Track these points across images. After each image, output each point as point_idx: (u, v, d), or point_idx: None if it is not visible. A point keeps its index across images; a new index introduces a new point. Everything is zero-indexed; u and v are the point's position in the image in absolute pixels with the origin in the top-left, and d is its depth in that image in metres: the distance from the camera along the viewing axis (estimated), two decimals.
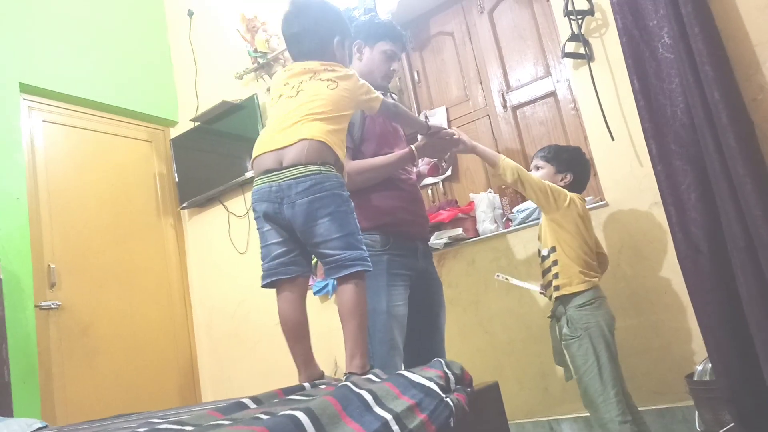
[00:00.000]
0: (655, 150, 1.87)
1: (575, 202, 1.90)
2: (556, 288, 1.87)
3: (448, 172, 2.05)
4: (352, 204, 1.44)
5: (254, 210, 1.47)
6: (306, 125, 1.41)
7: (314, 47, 1.57)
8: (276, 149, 1.40)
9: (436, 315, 1.97)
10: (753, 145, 1.73)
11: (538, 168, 2.03)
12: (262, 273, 1.46)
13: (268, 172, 1.40)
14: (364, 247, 1.43)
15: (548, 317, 1.98)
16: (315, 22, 1.59)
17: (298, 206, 1.36)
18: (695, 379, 1.87)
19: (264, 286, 1.46)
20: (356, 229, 1.42)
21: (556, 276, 1.88)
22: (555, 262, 1.88)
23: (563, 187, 1.95)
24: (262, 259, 1.46)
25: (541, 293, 2.03)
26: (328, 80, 1.50)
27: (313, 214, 1.36)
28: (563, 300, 1.87)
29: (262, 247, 1.46)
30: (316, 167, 1.36)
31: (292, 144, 1.38)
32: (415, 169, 2.10)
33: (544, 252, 1.94)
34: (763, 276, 1.61)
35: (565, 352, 1.88)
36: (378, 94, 1.63)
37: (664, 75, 1.86)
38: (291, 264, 1.44)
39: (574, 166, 2.00)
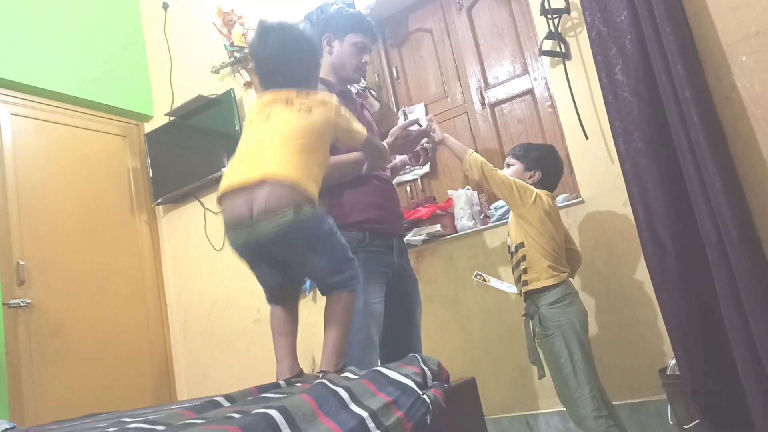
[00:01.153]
0: (622, 148, 1.90)
1: (541, 198, 1.92)
2: (525, 283, 1.90)
3: (427, 166, 2.05)
4: (332, 226, 1.39)
5: (235, 252, 1.41)
6: (274, 156, 1.32)
7: (290, 74, 1.46)
8: (243, 185, 1.29)
9: (413, 312, 1.97)
10: (722, 142, 1.76)
11: (509, 165, 2.06)
12: (265, 294, 1.49)
13: (239, 224, 1.31)
14: (354, 263, 1.41)
15: (522, 315, 1.99)
16: (287, 47, 1.48)
17: (279, 252, 1.34)
18: (668, 373, 1.90)
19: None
20: (341, 249, 1.39)
21: (524, 271, 1.90)
22: (523, 257, 1.91)
23: (531, 184, 1.97)
24: (260, 283, 1.47)
25: (518, 294, 2.05)
26: (301, 106, 1.40)
27: (296, 256, 1.35)
28: (534, 297, 1.89)
29: (255, 275, 1.46)
30: (290, 215, 1.27)
31: (258, 182, 1.27)
32: (393, 161, 2.10)
33: (513, 247, 1.97)
34: (731, 272, 1.64)
35: (539, 349, 1.90)
36: (363, 130, 1.54)
37: (631, 72, 1.88)
38: (289, 286, 1.47)
39: (543, 163, 2.02)
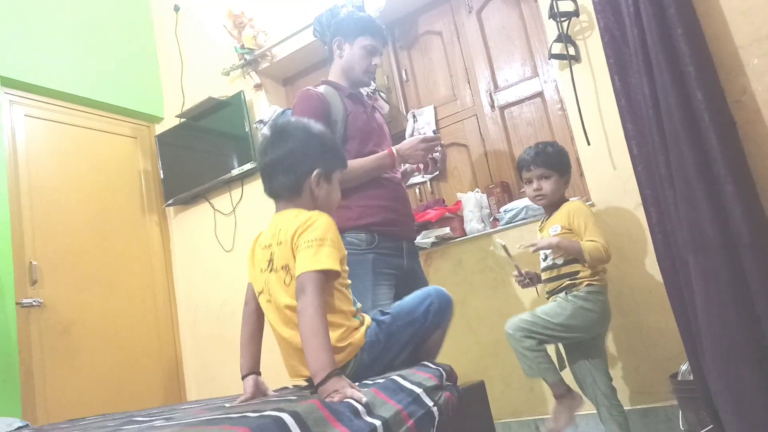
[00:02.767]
0: (635, 151, 1.89)
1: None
2: (572, 280, 1.89)
3: (436, 170, 2.06)
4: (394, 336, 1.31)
5: None
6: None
7: (286, 183, 1.31)
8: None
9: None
10: (736, 145, 1.74)
11: (542, 177, 1.96)
12: None
13: None
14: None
15: (546, 297, 1.99)
16: (291, 151, 1.31)
17: None
18: (679, 379, 1.88)
19: None
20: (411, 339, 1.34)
21: (575, 273, 1.89)
22: (576, 273, 1.89)
23: (565, 186, 1.99)
24: None
25: (518, 279, 2.04)
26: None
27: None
28: (572, 280, 1.90)
29: None
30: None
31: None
32: (402, 168, 2.10)
33: (558, 261, 1.93)
34: (744, 276, 1.62)
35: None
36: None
37: (644, 74, 1.87)
38: None
39: (569, 165, 2.02)
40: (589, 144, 2.25)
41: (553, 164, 1.96)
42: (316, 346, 1.06)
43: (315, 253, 1.17)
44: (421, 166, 2.10)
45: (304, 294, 1.12)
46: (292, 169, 1.29)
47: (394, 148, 1.87)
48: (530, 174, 1.99)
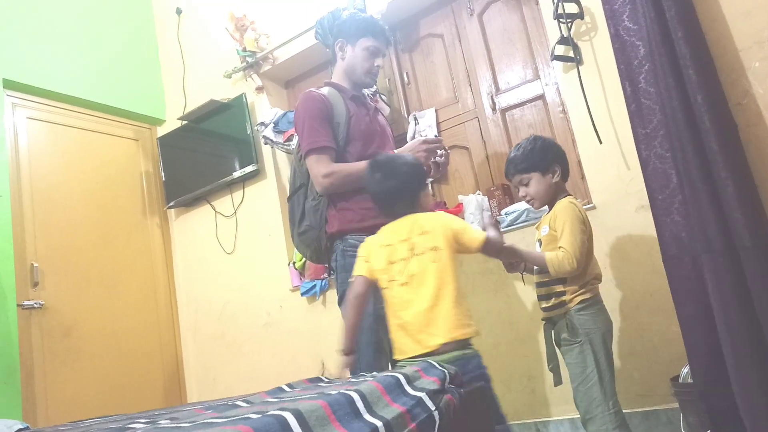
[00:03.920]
0: (644, 154, 1.89)
1: (582, 213, 1.80)
2: (561, 294, 1.77)
3: (439, 174, 2.05)
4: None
5: None
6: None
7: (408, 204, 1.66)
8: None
9: None
10: (737, 148, 1.75)
11: (524, 183, 1.87)
12: None
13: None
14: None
15: (542, 319, 1.89)
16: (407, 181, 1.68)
17: None
18: (680, 381, 1.88)
19: None
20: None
21: (562, 281, 1.77)
22: (564, 280, 1.77)
23: (555, 182, 1.84)
24: None
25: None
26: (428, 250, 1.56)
27: None
28: (561, 304, 1.78)
29: None
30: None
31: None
32: None
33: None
34: (744, 279, 1.63)
35: (562, 357, 1.81)
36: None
37: (653, 80, 1.88)
38: None
39: (553, 157, 1.85)
40: (601, 143, 2.24)
41: (526, 167, 1.85)
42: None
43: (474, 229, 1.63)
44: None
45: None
46: (410, 194, 1.68)
47: (395, 152, 1.88)
48: (513, 183, 1.94)
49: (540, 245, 1.88)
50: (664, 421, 2.10)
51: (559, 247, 1.73)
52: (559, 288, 1.78)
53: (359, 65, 1.99)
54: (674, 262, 1.80)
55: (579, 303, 1.75)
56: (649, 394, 2.15)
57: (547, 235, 1.82)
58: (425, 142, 1.92)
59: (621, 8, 1.94)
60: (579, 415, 1.90)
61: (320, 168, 1.84)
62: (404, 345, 1.54)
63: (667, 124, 1.80)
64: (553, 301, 1.80)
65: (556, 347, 1.84)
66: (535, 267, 1.86)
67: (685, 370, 1.87)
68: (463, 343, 1.53)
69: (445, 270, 1.54)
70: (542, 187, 1.85)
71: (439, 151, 1.98)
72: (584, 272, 1.77)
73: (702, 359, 1.74)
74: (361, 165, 1.83)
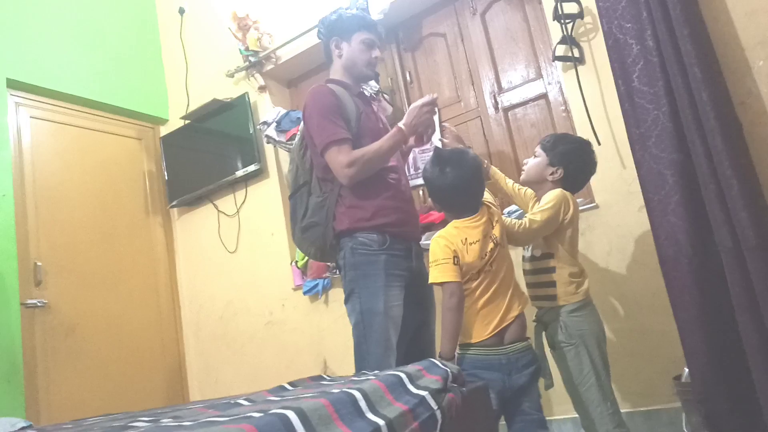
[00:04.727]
0: (639, 154, 1.88)
1: (569, 207, 1.79)
2: (551, 298, 1.77)
3: (434, 140, 2.04)
4: None
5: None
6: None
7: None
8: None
9: (427, 314, 1.97)
10: (741, 147, 1.74)
11: (535, 155, 1.90)
12: None
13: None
14: None
15: (533, 321, 1.88)
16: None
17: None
18: (683, 381, 1.88)
19: None
20: None
21: (551, 284, 1.77)
22: (551, 269, 1.78)
23: (552, 181, 1.83)
24: None
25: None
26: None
27: None
28: (552, 295, 1.78)
29: None
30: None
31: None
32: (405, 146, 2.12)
33: (532, 253, 1.85)
34: (749, 278, 1.62)
35: (554, 359, 1.81)
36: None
37: (648, 79, 1.87)
38: None
39: (569, 160, 1.83)
40: (599, 144, 2.24)
41: (545, 147, 1.87)
42: None
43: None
44: (418, 137, 2.07)
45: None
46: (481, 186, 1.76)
47: (400, 124, 1.87)
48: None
49: (531, 256, 1.88)
50: (666, 421, 2.09)
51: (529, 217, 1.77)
52: (550, 291, 1.78)
53: (359, 58, 2.00)
54: (671, 264, 1.79)
55: (572, 304, 1.75)
56: (651, 393, 2.14)
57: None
58: (423, 105, 1.89)
59: (614, 6, 1.94)
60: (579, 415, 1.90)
61: (342, 158, 1.81)
62: (487, 327, 1.61)
63: (664, 124, 1.79)
64: (543, 297, 1.80)
65: (550, 349, 1.82)
66: (524, 254, 1.90)
67: (687, 369, 1.86)
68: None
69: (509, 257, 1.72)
70: (537, 170, 1.88)
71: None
72: (569, 260, 1.78)
73: (701, 363, 1.74)
74: (377, 145, 1.84)
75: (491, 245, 1.65)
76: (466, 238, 1.64)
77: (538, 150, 1.89)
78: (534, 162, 1.89)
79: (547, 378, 1.81)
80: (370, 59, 2.01)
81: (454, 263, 1.60)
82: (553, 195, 1.79)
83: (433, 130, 2.02)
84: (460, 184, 1.66)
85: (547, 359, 1.81)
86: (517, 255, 1.91)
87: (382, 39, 2.10)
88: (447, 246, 1.62)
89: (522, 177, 1.95)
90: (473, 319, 1.62)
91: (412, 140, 2.07)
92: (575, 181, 1.87)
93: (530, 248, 1.87)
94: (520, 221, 1.76)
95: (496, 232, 1.68)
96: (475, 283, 1.63)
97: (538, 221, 1.74)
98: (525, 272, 1.90)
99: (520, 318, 1.66)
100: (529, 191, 2.00)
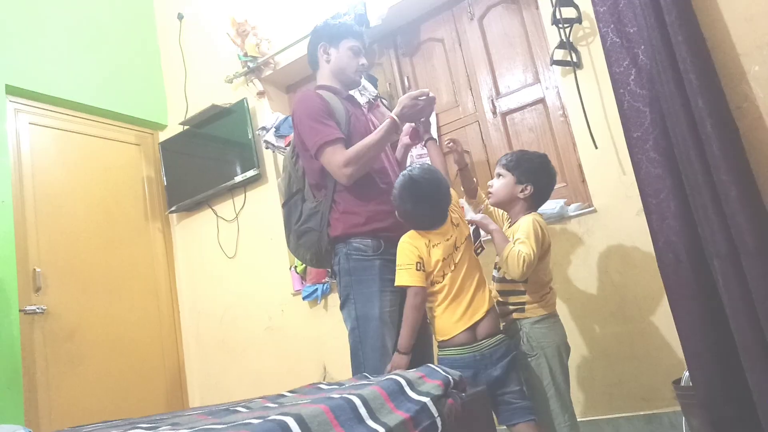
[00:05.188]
0: (636, 158, 1.88)
1: (546, 235, 1.79)
2: (521, 308, 1.78)
3: (430, 134, 2.04)
4: None
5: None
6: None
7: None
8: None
9: (425, 319, 1.96)
10: (738, 152, 1.74)
11: (499, 176, 1.90)
12: None
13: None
14: None
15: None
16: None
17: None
18: (683, 384, 1.88)
19: None
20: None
21: (521, 293, 1.78)
22: (522, 292, 1.78)
23: (523, 198, 1.84)
24: None
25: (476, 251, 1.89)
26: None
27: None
28: (516, 319, 1.79)
29: None
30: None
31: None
32: (399, 143, 2.11)
33: (507, 276, 1.78)
34: (746, 283, 1.62)
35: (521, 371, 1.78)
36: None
37: (644, 82, 1.88)
38: None
39: (536, 177, 1.85)
40: (596, 148, 2.25)
41: (509, 167, 1.87)
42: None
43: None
44: (414, 132, 2.06)
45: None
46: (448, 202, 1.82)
47: (392, 114, 1.88)
48: (494, 173, 1.95)
49: (497, 268, 1.88)
50: (667, 425, 2.09)
51: (521, 244, 1.71)
52: (519, 299, 1.79)
53: (347, 65, 2.02)
54: (670, 268, 1.79)
55: (537, 317, 1.76)
56: (651, 397, 2.14)
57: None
58: (413, 95, 1.88)
59: (611, 10, 1.95)
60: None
61: (339, 158, 1.81)
62: (457, 323, 1.69)
63: (661, 128, 1.80)
64: (509, 311, 1.80)
65: None
66: (494, 274, 1.89)
67: (687, 373, 1.86)
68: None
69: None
70: (506, 191, 1.87)
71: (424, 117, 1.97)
72: (541, 284, 1.79)
73: (705, 367, 1.73)
74: (369, 138, 1.84)
75: (452, 247, 1.74)
76: (429, 240, 1.73)
77: (502, 170, 1.89)
78: (501, 183, 1.89)
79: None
80: (358, 66, 2.03)
81: (417, 269, 1.70)
82: (529, 226, 1.75)
83: (429, 125, 2.03)
84: (424, 213, 1.74)
85: None
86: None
87: (366, 47, 2.12)
88: (411, 251, 1.72)
89: (491, 201, 1.93)
90: (442, 316, 1.71)
91: (407, 139, 2.08)
92: (543, 195, 1.89)
93: (500, 270, 1.85)
94: (523, 253, 1.69)
95: (458, 233, 1.77)
96: (439, 286, 1.72)
97: (527, 261, 1.68)
98: (496, 291, 1.87)
99: (491, 313, 1.72)
100: (500, 211, 2.00)
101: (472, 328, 1.68)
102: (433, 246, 1.72)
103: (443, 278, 1.71)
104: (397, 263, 1.73)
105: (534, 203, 1.87)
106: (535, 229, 1.75)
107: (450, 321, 1.70)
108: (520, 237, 1.74)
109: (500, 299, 1.84)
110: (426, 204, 1.73)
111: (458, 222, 1.80)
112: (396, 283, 1.72)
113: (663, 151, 1.82)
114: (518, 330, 1.78)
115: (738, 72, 1.85)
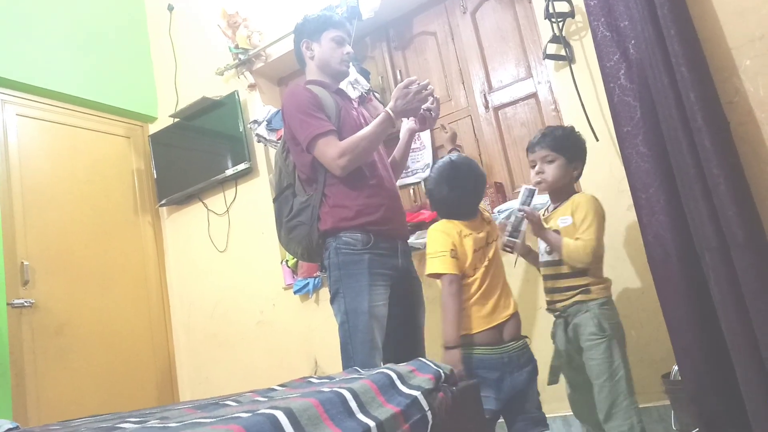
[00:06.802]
0: (626, 152, 1.89)
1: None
2: (587, 290, 1.74)
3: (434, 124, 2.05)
4: None
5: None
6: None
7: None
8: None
9: (416, 313, 1.97)
10: (729, 146, 1.75)
11: (549, 161, 1.79)
12: None
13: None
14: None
15: (555, 315, 1.83)
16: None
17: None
18: (672, 378, 1.89)
19: None
20: None
21: (585, 288, 1.74)
22: (585, 287, 1.74)
23: (572, 180, 1.82)
24: None
25: (507, 247, 1.81)
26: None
27: None
28: (581, 300, 1.74)
29: None
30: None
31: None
32: (405, 127, 2.12)
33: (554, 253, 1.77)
34: (735, 276, 1.63)
35: (571, 356, 1.78)
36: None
37: (635, 76, 1.88)
38: None
39: (582, 152, 1.84)
40: (597, 140, 2.24)
41: (560, 147, 1.79)
42: None
43: None
44: (421, 119, 2.04)
45: None
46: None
47: (387, 107, 1.87)
48: (534, 156, 1.83)
49: (547, 252, 1.85)
50: (656, 418, 2.11)
51: (576, 238, 1.71)
52: (583, 281, 1.75)
53: (331, 57, 2.00)
54: (660, 263, 1.80)
55: (602, 298, 1.75)
56: (640, 391, 2.14)
57: (570, 225, 1.76)
58: (405, 86, 1.85)
59: (602, 4, 1.94)
60: (572, 413, 1.91)
61: (332, 150, 1.80)
62: (485, 318, 1.68)
63: (651, 122, 1.80)
64: (571, 295, 1.76)
65: (568, 346, 1.78)
66: (542, 259, 1.85)
67: (676, 367, 1.87)
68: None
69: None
70: (562, 174, 1.80)
71: (429, 98, 1.94)
72: (601, 259, 1.78)
73: (694, 361, 1.74)
74: (365, 131, 1.84)
75: (484, 242, 1.74)
76: (461, 231, 1.72)
77: (551, 153, 1.80)
78: (556, 167, 1.79)
79: (555, 374, 1.82)
80: (342, 56, 2.01)
81: (452, 256, 1.66)
82: (589, 207, 1.75)
83: (437, 113, 2.03)
84: (459, 200, 1.75)
85: (563, 357, 1.80)
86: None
87: (350, 35, 2.10)
88: (444, 239, 1.69)
89: (544, 188, 1.84)
90: (470, 311, 1.68)
91: (413, 123, 2.09)
92: (581, 172, 1.88)
93: (550, 254, 1.82)
94: (582, 245, 1.70)
95: (490, 229, 1.79)
96: (471, 279, 1.69)
97: (594, 248, 1.69)
98: (546, 277, 1.84)
99: (516, 317, 1.72)
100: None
101: (498, 328, 1.67)
102: (464, 236, 1.71)
103: (475, 272, 1.69)
104: (427, 252, 1.72)
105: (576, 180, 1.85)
106: (596, 209, 1.74)
107: (477, 315, 1.67)
108: (583, 225, 1.71)
109: (555, 284, 1.79)
110: (462, 190, 1.73)
111: (489, 220, 1.81)
112: (427, 272, 1.70)
113: (653, 146, 1.82)
114: (579, 312, 1.73)
115: (729, 66, 1.85)
